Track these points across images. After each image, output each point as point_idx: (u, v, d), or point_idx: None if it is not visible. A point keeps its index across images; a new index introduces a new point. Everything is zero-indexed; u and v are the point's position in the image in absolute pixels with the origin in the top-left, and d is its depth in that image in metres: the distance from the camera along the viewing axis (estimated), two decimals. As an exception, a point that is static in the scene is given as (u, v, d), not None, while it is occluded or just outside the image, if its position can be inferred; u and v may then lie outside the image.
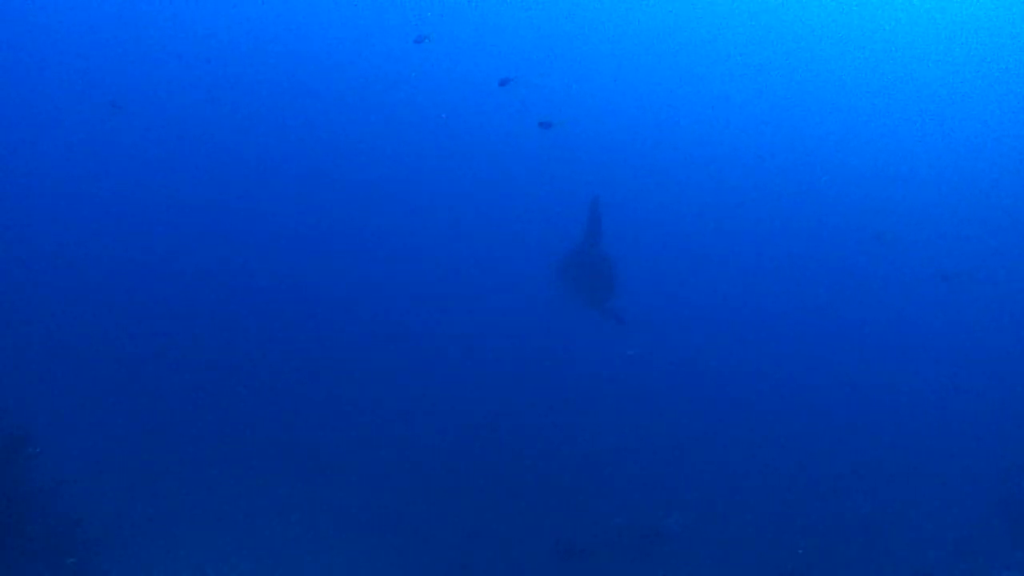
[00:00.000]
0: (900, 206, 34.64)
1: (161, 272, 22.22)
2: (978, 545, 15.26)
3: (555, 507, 15.24)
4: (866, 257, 30.08)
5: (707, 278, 27.82)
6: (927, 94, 43.57)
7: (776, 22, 44.16)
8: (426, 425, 17.41)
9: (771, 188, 36.68)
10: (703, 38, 44.96)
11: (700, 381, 21.44)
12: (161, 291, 21.21)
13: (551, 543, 14.19)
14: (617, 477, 16.60)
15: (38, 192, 25.53)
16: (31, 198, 24.93)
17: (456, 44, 41.09)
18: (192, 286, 21.87)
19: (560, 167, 32.22)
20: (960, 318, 26.13)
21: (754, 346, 23.57)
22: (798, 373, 22.31)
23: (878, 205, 34.91)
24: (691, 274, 27.68)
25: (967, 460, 18.00)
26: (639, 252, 21.93)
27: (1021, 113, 42.35)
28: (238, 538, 12.98)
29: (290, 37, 39.29)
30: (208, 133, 31.59)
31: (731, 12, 44.02)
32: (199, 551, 12.52)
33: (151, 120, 30.44)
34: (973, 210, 34.32)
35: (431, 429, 17.30)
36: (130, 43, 34.41)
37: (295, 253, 25.50)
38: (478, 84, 35.54)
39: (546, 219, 25.51)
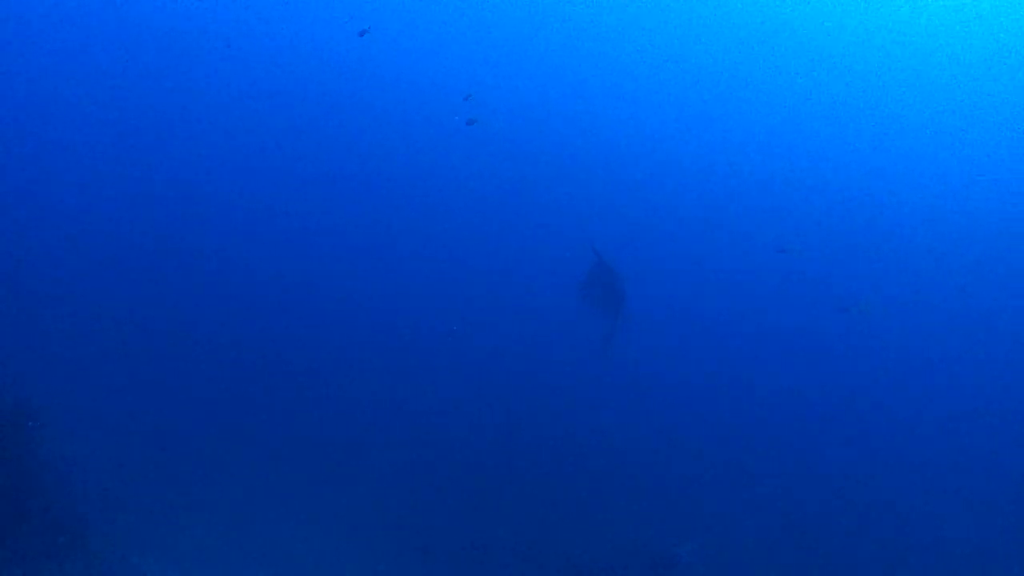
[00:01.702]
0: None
1: (177, 257, 21.96)
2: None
3: (565, 524, 14.70)
4: (879, 268, 29.97)
5: (725, 301, 27.28)
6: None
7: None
8: (440, 436, 16.98)
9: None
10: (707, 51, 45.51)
11: (724, 405, 20.84)
12: (175, 275, 21.00)
13: (560, 562, 13.67)
14: (631, 498, 16.00)
15: (45, 173, 25.37)
16: (38, 180, 24.74)
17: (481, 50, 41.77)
18: (206, 272, 21.62)
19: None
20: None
21: (777, 372, 22.99)
22: (823, 400, 21.73)
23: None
24: (710, 298, 27.15)
25: (987, 480, 17.57)
26: (652, 271, 21.59)
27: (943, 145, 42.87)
28: (233, 530, 12.58)
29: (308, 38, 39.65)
30: (234, 124, 31.67)
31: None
32: (191, 539, 12.13)
33: (164, 110, 30.62)
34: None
35: (445, 440, 16.87)
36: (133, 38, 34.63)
37: (315, 252, 25.32)
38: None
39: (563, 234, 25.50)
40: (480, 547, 13.75)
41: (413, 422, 17.12)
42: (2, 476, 11.69)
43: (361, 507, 13.98)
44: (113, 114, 30.54)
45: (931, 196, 38.93)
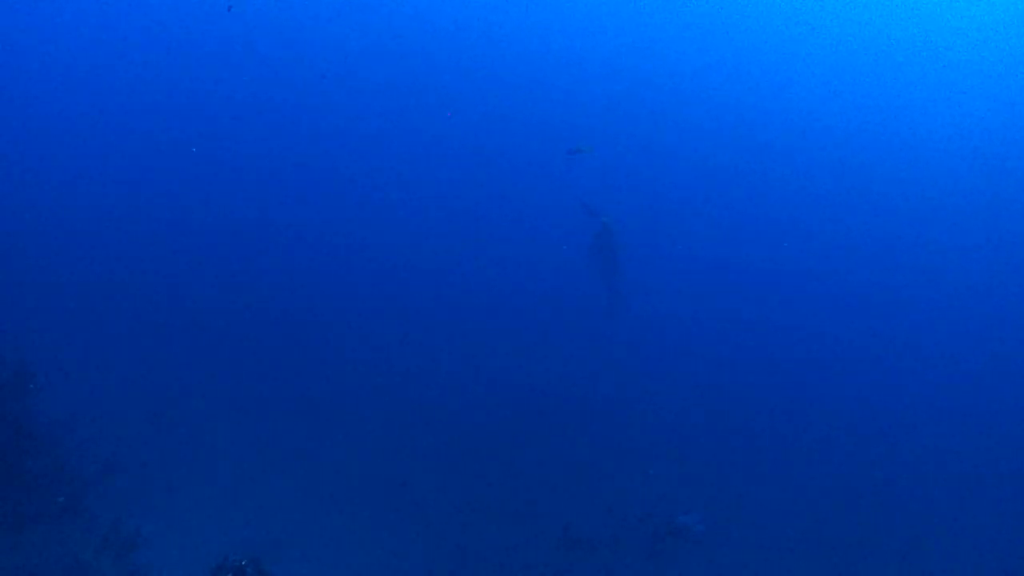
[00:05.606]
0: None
1: (174, 220, 21.86)
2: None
3: (567, 491, 14.45)
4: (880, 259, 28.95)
5: (735, 266, 26.41)
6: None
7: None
8: (441, 396, 16.80)
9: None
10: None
11: (738, 377, 20.21)
12: (172, 238, 20.98)
13: (558, 529, 13.45)
14: (635, 466, 15.63)
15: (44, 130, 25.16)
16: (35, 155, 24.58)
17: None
18: (203, 233, 21.51)
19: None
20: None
21: (789, 346, 22.23)
22: (836, 375, 21.00)
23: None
24: (720, 261, 26.27)
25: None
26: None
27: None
28: (231, 492, 12.61)
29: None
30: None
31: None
32: (189, 502, 12.19)
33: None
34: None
35: (446, 401, 16.69)
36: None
37: (314, 205, 24.96)
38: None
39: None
40: (476, 512, 13.64)
41: (413, 382, 16.95)
42: (1, 438, 11.89)
43: (357, 467, 13.94)
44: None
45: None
